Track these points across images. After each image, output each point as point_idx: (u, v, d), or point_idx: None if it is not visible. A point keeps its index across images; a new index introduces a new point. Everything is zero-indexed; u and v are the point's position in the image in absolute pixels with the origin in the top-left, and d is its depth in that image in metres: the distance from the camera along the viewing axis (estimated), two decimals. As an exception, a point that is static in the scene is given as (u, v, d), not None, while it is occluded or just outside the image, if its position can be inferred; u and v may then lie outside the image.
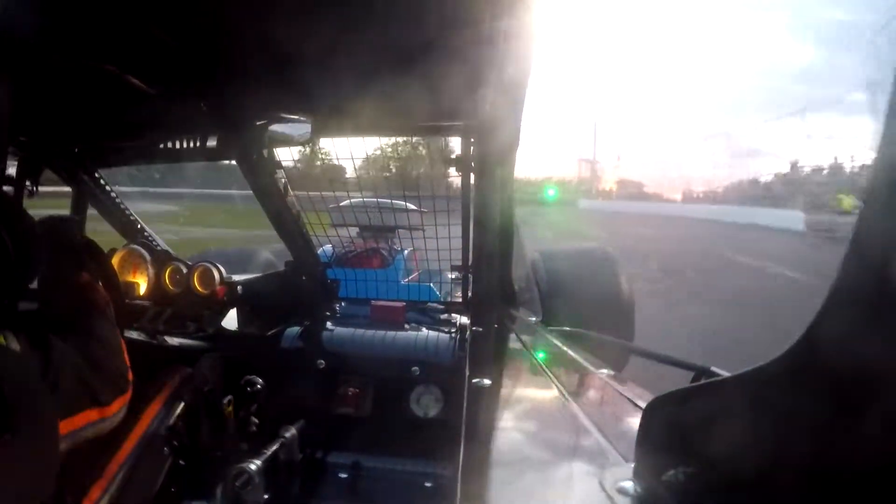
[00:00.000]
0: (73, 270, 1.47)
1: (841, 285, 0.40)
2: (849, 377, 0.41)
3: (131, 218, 2.53)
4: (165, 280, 2.17)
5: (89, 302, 1.44)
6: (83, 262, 1.53)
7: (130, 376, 1.39)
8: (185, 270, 2.16)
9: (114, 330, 1.41)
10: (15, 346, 1.14)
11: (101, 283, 1.57)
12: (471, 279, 2.49)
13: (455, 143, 2.07)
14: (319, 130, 1.83)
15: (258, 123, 1.79)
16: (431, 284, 3.28)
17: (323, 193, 2.40)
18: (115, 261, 2.13)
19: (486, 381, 1.32)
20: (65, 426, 1.15)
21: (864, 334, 0.39)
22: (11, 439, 0.98)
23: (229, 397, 1.79)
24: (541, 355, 1.68)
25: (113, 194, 2.43)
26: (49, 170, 2.15)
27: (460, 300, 2.63)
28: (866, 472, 0.42)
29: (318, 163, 2.02)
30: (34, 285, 1.44)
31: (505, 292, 2.45)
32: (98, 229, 2.38)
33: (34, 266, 1.40)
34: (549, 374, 1.44)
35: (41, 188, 2.10)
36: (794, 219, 22.13)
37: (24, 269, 1.35)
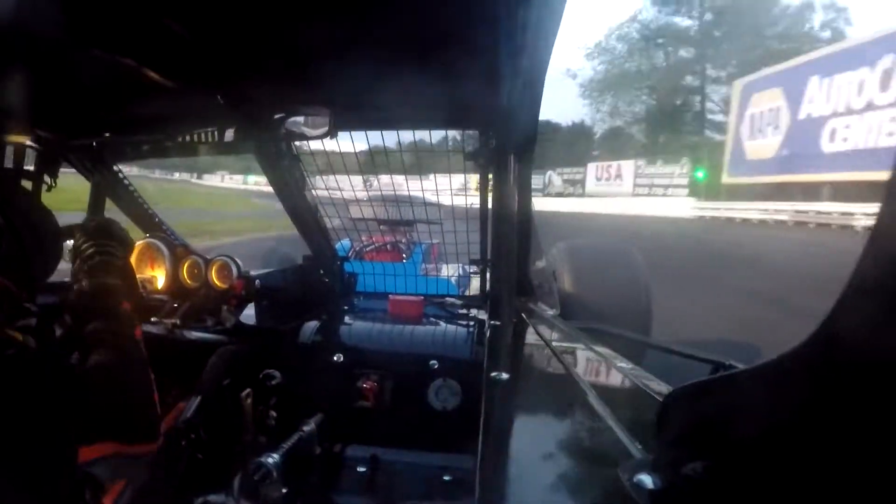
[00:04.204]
0: (118, 298, 1.40)
1: (859, 276, 0.40)
2: (867, 369, 0.40)
3: (149, 212, 2.54)
4: (183, 274, 2.19)
5: (128, 339, 1.34)
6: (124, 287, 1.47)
7: (161, 428, 1.35)
8: (202, 264, 2.18)
9: (148, 373, 1.33)
10: (32, 343, 1.15)
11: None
12: (489, 273, 2.49)
13: (473, 138, 2.07)
14: (337, 124, 1.83)
15: (276, 117, 1.80)
16: (449, 278, 3.28)
17: (341, 187, 2.40)
18: (132, 254, 2.15)
19: (505, 375, 1.31)
20: (85, 453, 1.12)
21: (882, 326, 0.38)
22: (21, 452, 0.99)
23: (248, 391, 1.80)
24: (559, 349, 1.68)
25: (131, 188, 2.45)
26: (67, 164, 2.16)
27: (478, 294, 2.63)
28: (886, 466, 0.42)
29: (336, 157, 2.02)
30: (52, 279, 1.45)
31: (523, 286, 2.45)
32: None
33: (52, 261, 1.42)
34: (568, 367, 1.43)
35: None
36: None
37: (42, 263, 1.36)
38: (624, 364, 1.44)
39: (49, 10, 1.06)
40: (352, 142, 2.03)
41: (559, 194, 41.06)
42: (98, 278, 1.40)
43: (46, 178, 2.04)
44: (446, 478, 1.92)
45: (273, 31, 1.31)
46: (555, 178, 43.09)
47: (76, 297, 1.37)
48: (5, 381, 1.00)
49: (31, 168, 1.99)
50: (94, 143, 2.17)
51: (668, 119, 39.46)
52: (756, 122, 28.00)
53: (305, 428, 1.87)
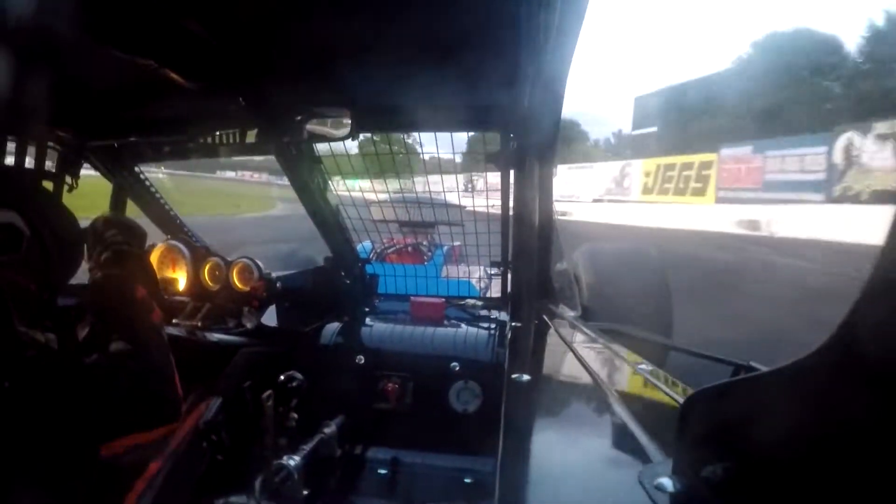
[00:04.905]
0: (131, 285, 1.39)
1: (879, 276, 0.39)
2: (888, 370, 0.40)
3: (171, 213, 2.57)
4: (204, 276, 2.21)
5: (145, 323, 1.35)
6: (139, 272, 1.48)
7: (183, 406, 1.36)
8: (224, 266, 2.19)
9: (168, 355, 1.34)
10: (54, 345, 1.16)
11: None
12: (510, 275, 2.48)
13: (494, 139, 2.07)
14: (358, 125, 1.84)
15: (297, 118, 1.81)
16: (470, 280, 3.28)
17: (362, 189, 2.41)
18: (154, 256, 2.17)
19: (526, 377, 1.31)
20: (105, 450, 1.14)
21: None
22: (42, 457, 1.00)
23: (269, 392, 1.81)
24: (580, 351, 1.67)
25: (152, 189, 2.48)
26: (88, 165, 2.19)
27: (499, 296, 2.63)
28: None
29: (357, 158, 2.03)
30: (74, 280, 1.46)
31: (544, 288, 2.44)
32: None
33: (74, 262, 1.43)
34: (589, 369, 1.43)
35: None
36: None
37: (64, 265, 1.38)
38: (645, 366, 1.43)
39: (70, 10, 1.07)
40: (373, 143, 2.04)
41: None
42: (110, 269, 1.41)
43: (68, 179, 2.06)
44: (467, 480, 1.92)
45: (294, 32, 1.32)
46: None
47: (91, 291, 1.38)
48: (26, 383, 1.01)
49: (53, 169, 2.01)
50: (115, 145, 2.20)
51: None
52: None
53: (326, 430, 1.87)
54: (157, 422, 1.25)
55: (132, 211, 2.43)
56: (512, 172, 2.09)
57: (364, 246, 3.04)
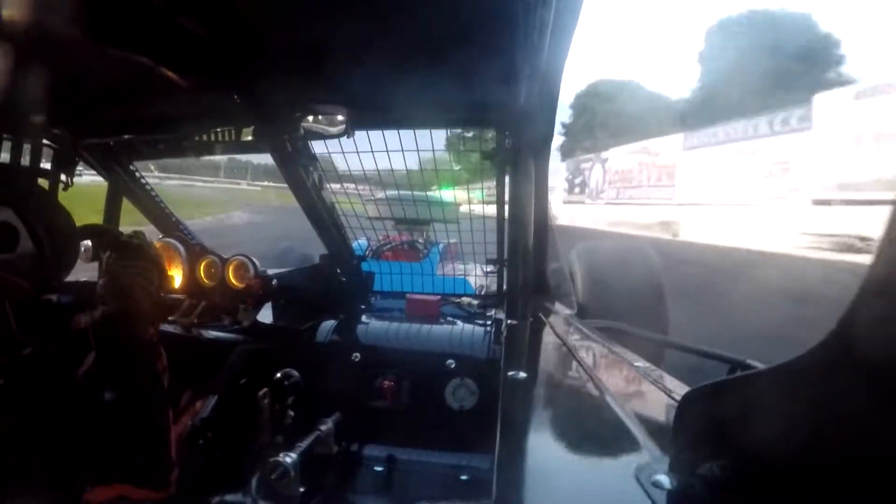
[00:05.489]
0: (142, 326, 1.31)
1: (875, 274, 0.39)
2: (886, 368, 0.40)
3: (166, 211, 2.56)
4: (200, 273, 2.20)
5: (149, 371, 1.27)
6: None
7: (174, 477, 1.25)
8: (219, 263, 2.19)
9: (166, 413, 1.27)
10: (49, 344, 1.15)
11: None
12: (506, 272, 2.49)
13: (489, 136, 2.07)
14: (354, 123, 1.84)
15: (293, 115, 1.80)
16: (466, 277, 3.28)
17: (358, 186, 2.41)
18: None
19: (522, 374, 1.31)
20: (89, 496, 1.07)
21: None
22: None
23: (265, 390, 1.80)
24: (576, 348, 1.67)
25: (148, 187, 2.47)
26: (83, 163, 2.18)
27: (495, 293, 2.63)
28: None
29: (353, 155, 2.02)
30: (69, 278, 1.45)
31: (540, 285, 2.44)
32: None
33: (68, 261, 1.42)
34: (585, 366, 1.43)
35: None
36: None
37: (58, 263, 1.37)
38: (641, 363, 1.44)
39: (64, 7, 1.07)
40: (368, 140, 2.04)
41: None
42: (125, 302, 1.32)
43: (63, 178, 2.04)
44: (463, 477, 1.92)
45: (290, 29, 1.32)
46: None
47: (101, 319, 1.28)
48: (21, 381, 1.01)
49: (48, 167, 1.98)
50: (111, 142, 2.19)
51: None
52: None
53: (322, 427, 1.87)
54: (144, 482, 1.18)
55: (127, 208, 2.44)
56: (507, 169, 2.10)
57: (360, 243, 3.04)
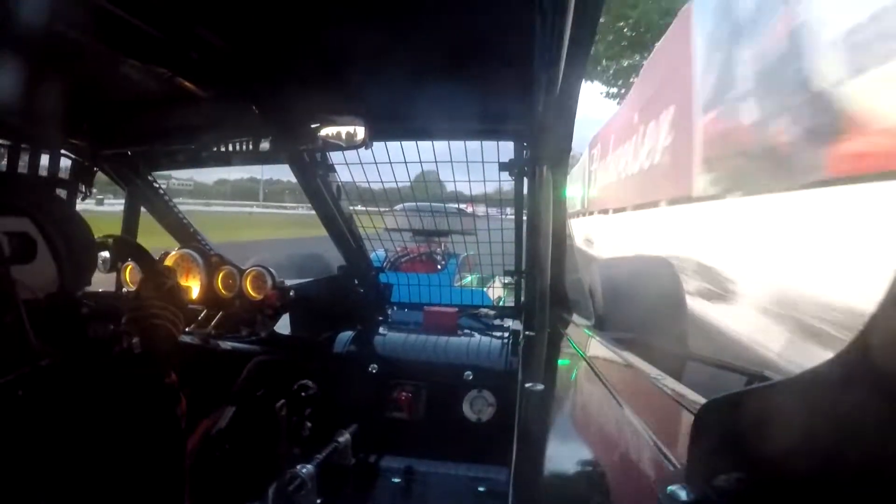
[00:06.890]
0: (164, 372, 1.25)
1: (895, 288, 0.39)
2: None
3: (184, 221, 2.57)
4: (218, 284, 2.21)
5: (168, 416, 1.22)
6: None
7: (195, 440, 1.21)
8: (237, 274, 2.20)
9: (181, 465, 1.23)
10: (67, 355, 1.14)
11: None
12: (523, 284, 2.48)
13: (507, 148, 2.07)
14: (372, 134, 1.84)
15: (311, 126, 1.81)
16: (484, 289, 3.28)
17: (376, 197, 2.41)
18: (167, 264, 2.15)
19: (539, 386, 1.31)
20: None
21: None
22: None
23: (282, 401, 1.80)
24: (593, 360, 1.66)
25: (166, 197, 2.48)
26: (102, 173, 2.20)
27: (513, 305, 2.62)
28: None
29: (371, 167, 2.03)
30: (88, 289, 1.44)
31: (557, 297, 2.43)
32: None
33: (86, 271, 1.42)
34: (602, 378, 1.42)
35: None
36: None
37: (76, 274, 1.36)
38: (658, 375, 1.42)
39: (84, 19, 1.08)
40: (387, 152, 2.04)
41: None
42: (148, 344, 1.27)
43: (81, 187, 2.06)
44: (480, 489, 1.92)
45: (308, 40, 1.33)
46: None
47: (123, 364, 1.24)
48: (39, 392, 1.01)
49: (66, 177, 2.00)
50: (129, 152, 2.21)
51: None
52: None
53: (340, 438, 1.88)
54: None
55: (145, 219, 2.45)
56: (525, 181, 2.09)
57: (377, 255, 3.05)
